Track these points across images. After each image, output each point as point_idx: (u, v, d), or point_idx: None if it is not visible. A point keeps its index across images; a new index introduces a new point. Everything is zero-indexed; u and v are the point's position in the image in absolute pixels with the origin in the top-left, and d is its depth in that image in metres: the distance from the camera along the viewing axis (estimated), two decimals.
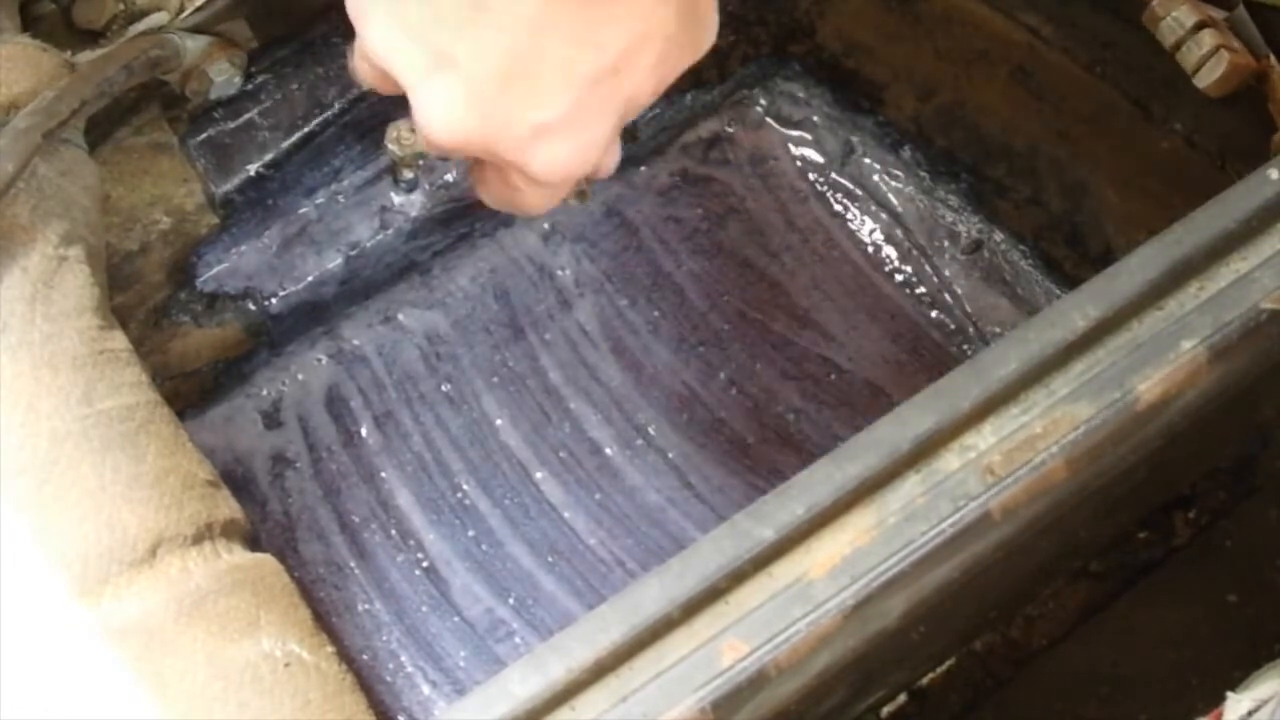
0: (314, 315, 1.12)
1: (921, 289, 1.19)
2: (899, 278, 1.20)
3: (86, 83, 0.87)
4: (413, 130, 1.00)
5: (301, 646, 0.74)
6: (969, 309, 1.18)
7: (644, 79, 0.71)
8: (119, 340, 0.84)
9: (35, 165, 0.84)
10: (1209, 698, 0.76)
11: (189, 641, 0.72)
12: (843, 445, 0.69)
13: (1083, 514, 0.75)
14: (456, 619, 1.06)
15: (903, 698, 1.00)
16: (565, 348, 1.16)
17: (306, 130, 1.02)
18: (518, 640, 1.05)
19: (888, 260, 1.21)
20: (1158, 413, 0.72)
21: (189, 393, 1.09)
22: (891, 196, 1.21)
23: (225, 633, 0.73)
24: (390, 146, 1.01)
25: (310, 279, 1.09)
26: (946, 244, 1.20)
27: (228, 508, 0.81)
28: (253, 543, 0.82)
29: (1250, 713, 0.73)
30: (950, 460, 0.70)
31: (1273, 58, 0.93)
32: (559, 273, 1.18)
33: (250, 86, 1.00)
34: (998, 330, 1.17)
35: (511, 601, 1.07)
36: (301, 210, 1.07)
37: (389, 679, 1.04)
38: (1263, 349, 0.75)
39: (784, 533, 0.67)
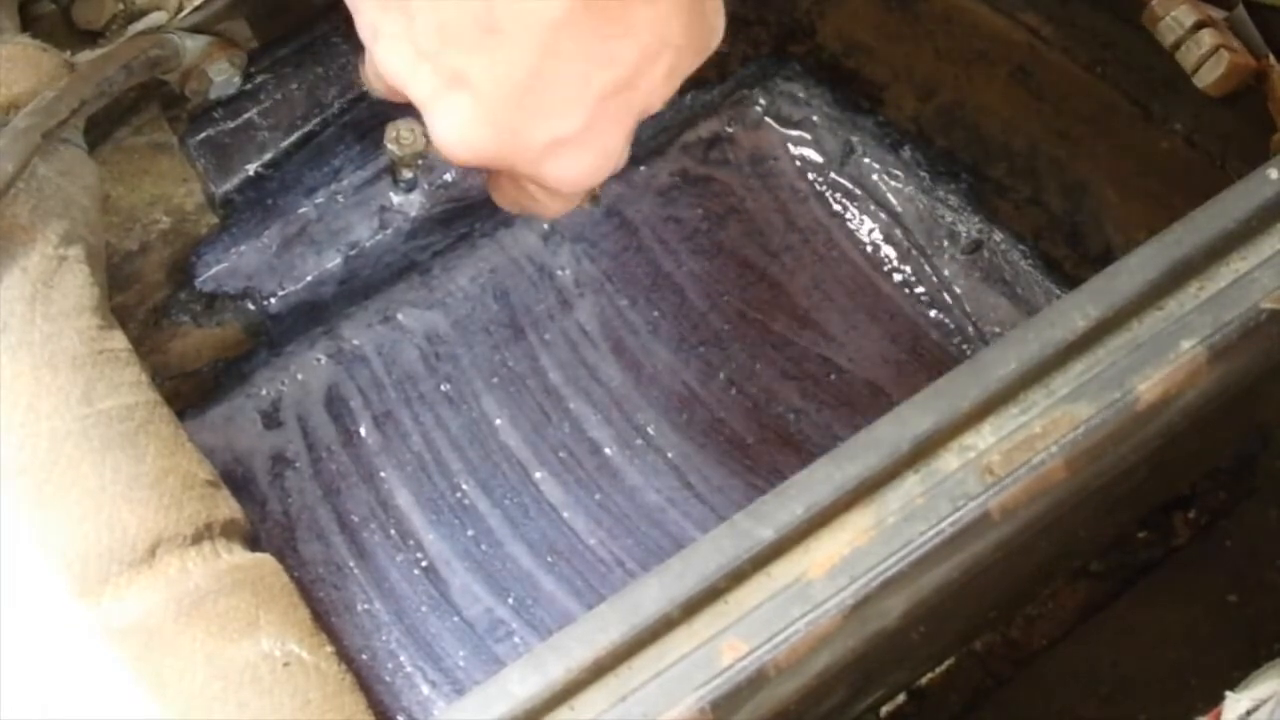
0: (314, 315, 1.12)
1: (921, 289, 1.19)
2: (899, 278, 1.20)
3: (86, 83, 0.87)
4: (412, 130, 1.01)
5: (301, 646, 0.74)
6: (969, 309, 1.18)
7: (656, 89, 0.72)
8: (119, 340, 0.83)
9: (35, 165, 0.84)
10: (1208, 698, 0.76)
11: (189, 641, 0.72)
12: (842, 445, 0.69)
13: (1083, 514, 0.75)
14: (456, 619, 1.06)
15: (902, 698, 1.00)
16: (565, 348, 1.16)
17: (306, 130, 1.02)
18: (517, 640, 1.05)
19: (887, 260, 1.21)
20: (1158, 413, 0.72)
21: (189, 393, 1.09)
22: (891, 196, 1.22)
23: (225, 633, 0.73)
24: (390, 146, 1.01)
25: (310, 279, 1.09)
26: (946, 244, 1.20)
27: (227, 508, 0.81)
28: (252, 543, 0.81)
29: (1249, 712, 0.73)
30: (950, 460, 0.70)
31: (1272, 58, 0.93)
32: (559, 273, 1.18)
33: (250, 86, 1.00)
34: (998, 330, 1.17)
35: (511, 601, 1.07)
36: (301, 210, 1.07)
37: (388, 679, 1.04)
38: (1263, 349, 0.75)
39: (783, 533, 0.67)
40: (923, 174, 1.21)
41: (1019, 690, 1.02)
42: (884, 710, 0.99)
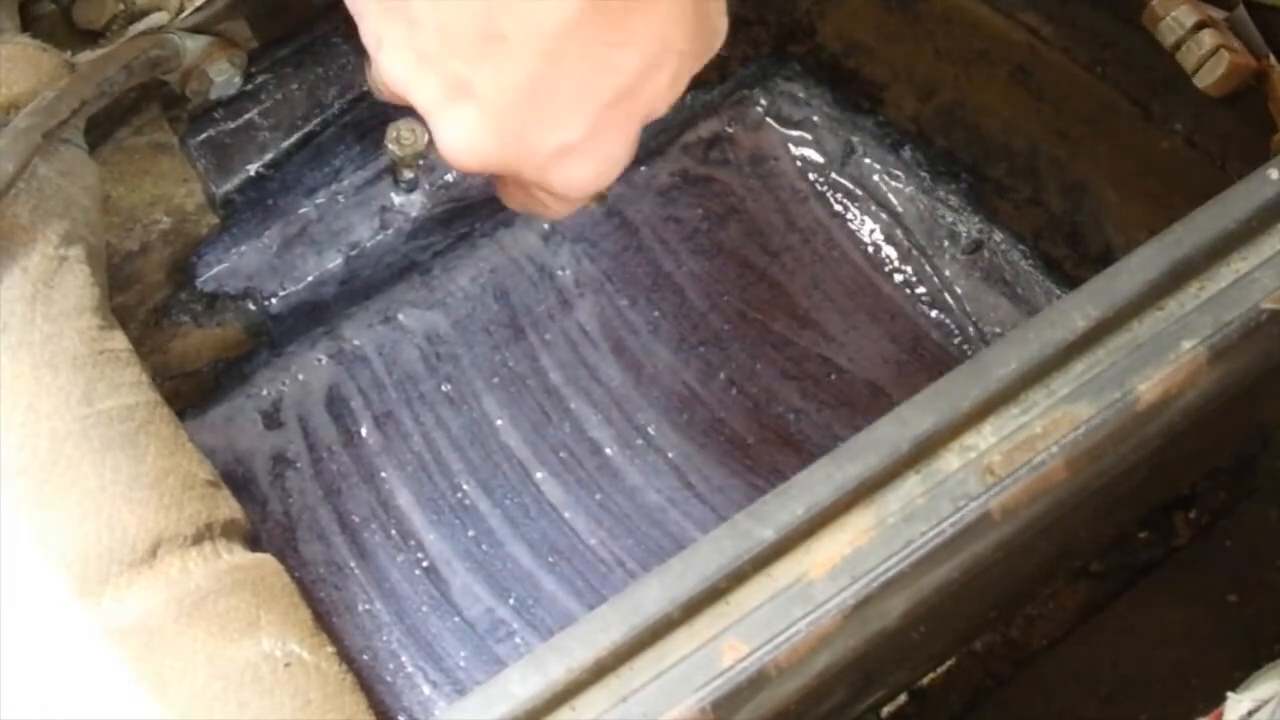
0: (314, 315, 1.12)
1: (921, 289, 1.19)
2: (899, 278, 1.20)
3: (86, 83, 0.87)
4: (413, 130, 1.01)
5: (302, 646, 0.74)
6: (969, 309, 1.18)
7: (660, 94, 0.72)
8: (119, 340, 0.83)
9: (35, 165, 0.84)
10: (1209, 698, 0.76)
11: (189, 641, 0.72)
12: (843, 445, 0.69)
13: (1083, 514, 0.75)
14: (457, 619, 1.06)
15: (903, 698, 1.00)
16: (565, 348, 1.16)
17: (306, 130, 1.02)
18: (518, 640, 1.05)
19: (888, 260, 1.21)
20: (1158, 413, 0.72)
21: (189, 393, 1.09)
22: (891, 196, 1.22)
23: (225, 633, 0.73)
24: (390, 146, 1.01)
25: (310, 279, 1.09)
26: (946, 244, 1.20)
27: (228, 508, 0.81)
28: (253, 543, 0.81)
29: (1250, 713, 0.73)
30: (950, 460, 0.70)
31: (1273, 58, 0.93)
32: (559, 273, 1.18)
33: (250, 86, 1.00)
34: (998, 330, 1.17)
35: (512, 601, 1.07)
36: (301, 210, 1.07)
37: (389, 679, 1.04)
38: (1263, 349, 0.75)
39: (784, 533, 0.67)
40: (923, 174, 1.21)
41: (1019, 690, 1.02)
42: (885, 710, 0.99)
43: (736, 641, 0.65)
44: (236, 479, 1.09)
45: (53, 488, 0.74)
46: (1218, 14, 0.94)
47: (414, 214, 1.10)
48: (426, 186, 1.10)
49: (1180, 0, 0.94)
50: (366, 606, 1.06)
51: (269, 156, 1.01)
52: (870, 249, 1.21)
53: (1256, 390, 0.78)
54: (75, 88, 0.86)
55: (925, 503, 0.69)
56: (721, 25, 0.74)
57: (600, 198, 0.86)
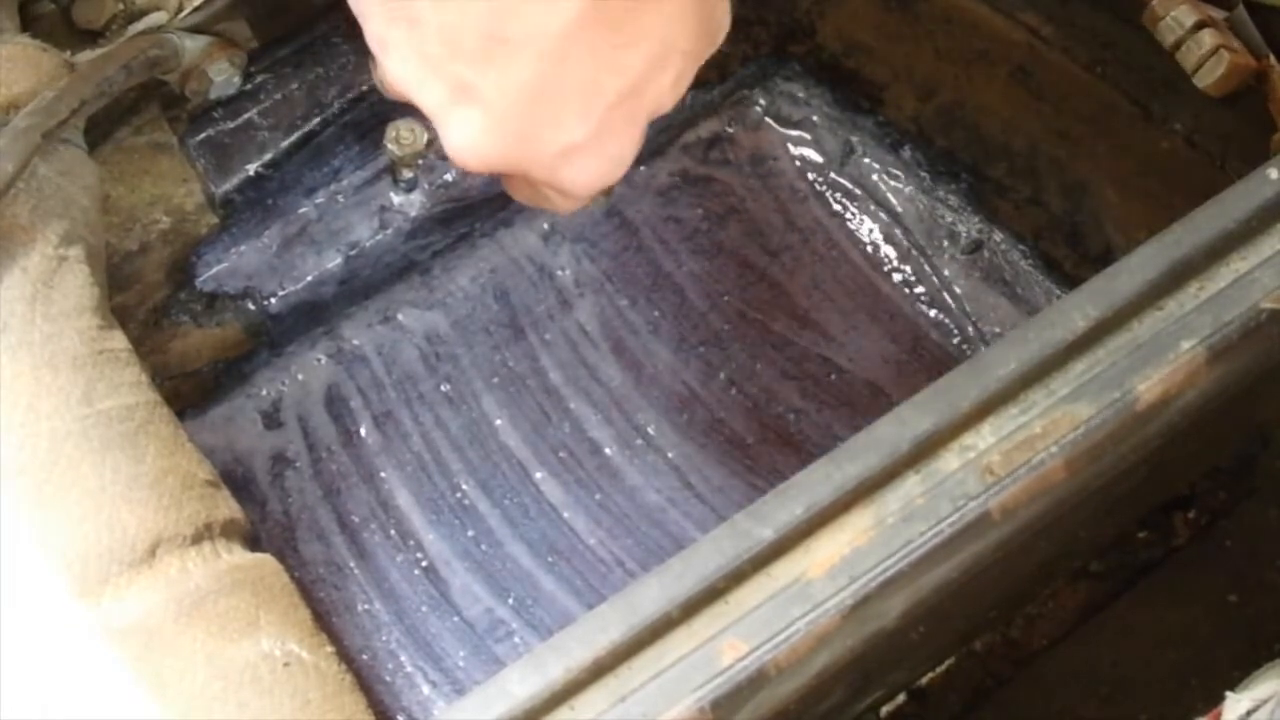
0: (314, 315, 1.12)
1: (921, 289, 1.19)
2: (899, 278, 1.20)
3: (86, 83, 0.87)
4: (412, 130, 1.01)
5: (301, 646, 0.74)
6: (969, 309, 1.18)
7: (665, 92, 0.72)
8: (119, 340, 0.84)
9: (35, 165, 0.84)
10: (1209, 698, 0.76)
11: (189, 641, 0.72)
12: (842, 445, 0.69)
13: (1082, 514, 0.75)
14: (456, 619, 1.06)
15: (902, 697, 1.00)
16: (565, 348, 1.16)
17: (306, 130, 1.02)
18: (517, 640, 1.05)
19: (887, 260, 1.21)
20: (1158, 413, 0.72)
21: (189, 393, 1.09)
22: (891, 196, 1.22)
23: (225, 633, 0.73)
24: (390, 146, 1.01)
25: (310, 279, 1.09)
26: (946, 244, 1.20)
27: (227, 508, 0.81)
28: (253, 543, 0.81)
29: (1249, 712, 0.73)
30: (950, 460, 0.70)
31: (1273, 58, 0.93)
32: (559, 273, 1.18)
33: (250, 86, 1.00)
34: (998, 330, 1.17)
35: (511, 601, 1.07)
36: (301, 210, 1.07)
37: (389, 679, 1.04)
38: (1263, 349, 0.75)
39: (783, 533, 0.67)
40: (923, 174, 1.21)
41: (1019, 690, 1.02)
42: (884, 710, 0.99)
43: (736, 641, 0.65)
44: (236, 479, 1.09)
45: (53, 488, 0.74)
46: (1218, 14, 0.94)
47: (413, 214, 1.10)
48: (426, 186, 1.10)
49: (1180, 0, 0.94)
50: (366, 606, 1.06)
51: (268, 156, 1.01)
52: (870, 249, 1.21)
53: (1256, 390, 0.78)
54: (75, 88, 0.87)
55: (925, 503, 0.69)
56: (725, 19, 0.74)
57: (606, 192, 0.86)
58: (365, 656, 1.04)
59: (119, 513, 0.74)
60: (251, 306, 1.08)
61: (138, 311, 1.02)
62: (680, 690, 0.65)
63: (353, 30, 0.76)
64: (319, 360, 1.14)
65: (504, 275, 1.17)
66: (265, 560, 0.79)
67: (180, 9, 0.94)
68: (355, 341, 1.14)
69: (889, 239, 1.21)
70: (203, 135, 1.00)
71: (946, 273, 1.19)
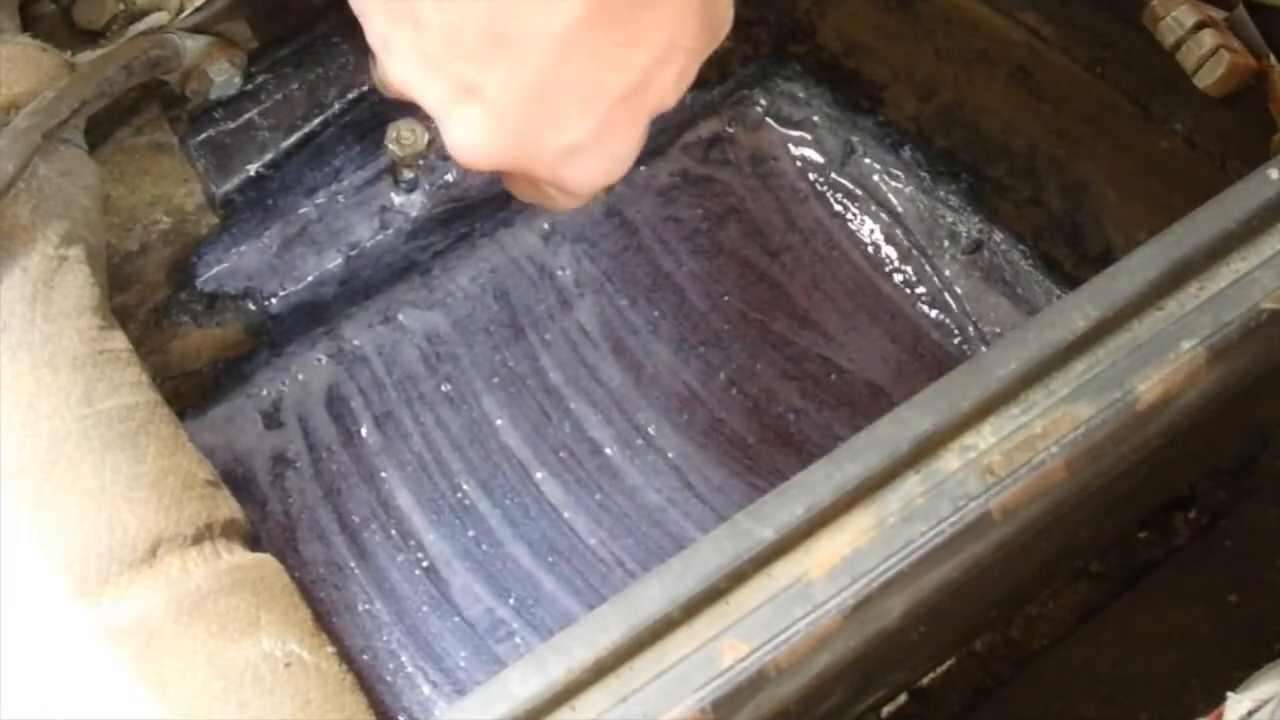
0: (314, 315, 1.12)
1: (921, 289, 1.19)
2: (899, 278, 1.20)
3: (86, 83, 0.87)
4: (413, 130, 1.01)
5: (302, 646, 0.74)
6: (969, 309, 1.18)
7: (668, 90, 0.72)
8: (119, 340, 0.83)
9: (35, 165, 0.84)
10: (1209, 698, 0.76)
11: (189, 641, 0.72)
12: (843, 445, 0.69)
13: (1083, 514, 0.75)
14: (457, 619, 1.06)
15: (903, 698, 1.00)
16: (565, 348, 1.16)
17: (306, 130, 1.02)
18: (518, 640, 1.05)
19: (888, 260, 1.21)
20: (1158, 413, 0.72)
21: (189, 393, 1.09)
22: (891, 197, 1.22)
23: (225, 633, 0.73)
24: (390, 147, 1.01)
25: (310, 279, 1.09)
26: (946, 244, 1.20)
27: (228, 508, 0.81)
28: (253, 543, 0.81)
29: (1250, 713, 0.73)
30: (950, 460, 0.70)
31: (1273, 58, 0.93)
32: (559, 273, 1.18)
33: (250, 86, 1.00)
34: (998, 330, 1.17)
35: (512, 601, 1.07)
36: (301, 210, 1.07)
37: (389, 679, 1.04)
38: (1263, 349, 0.75)
39: (784, 533, 0.67)
40: (923, 174, 1.21)
41: (1019, 690, 1.02)
42: (885, 710, 0.99)
43: (736, 641, 0.65)
44: (236, 479, 1.09)
45: (53, 488, 0.74)
46: (1218, 14, 0.94)
47: (414, 214, 1.10)
48: (426, 186, 1.10)
49: (1180, 0, 0.94)
50: (366, 606, 1.06)
51: (269, 156, 1.01)
52: (870, 249, 1.21)
53: (1256, 390, 0.78)
54: (75, 88, 0.86)
55: (925, 503, 0.69)
56: (727, 15, 0.74)
57: (606, 190, 0.86)
58: (366, 657, 1.04)
59: (119, 513, 0.74)
60: (252, 306, 1.08)
61: (138, 311, 1.02)
62: (681, 690, 0.65)
63: (353, 30, 0.76)
64: (319, 360, 1.14)
65: (504, 275, 1.17)
66: (265, 560, 0.79)
67: (181, 9, 0.94)
68: (356, 341, 1.14)
69: (889, 239, 1.21)
70: (203, 135, 1.00)
71: (947, 273, 1.19)
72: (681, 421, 1.14)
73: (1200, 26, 0.93)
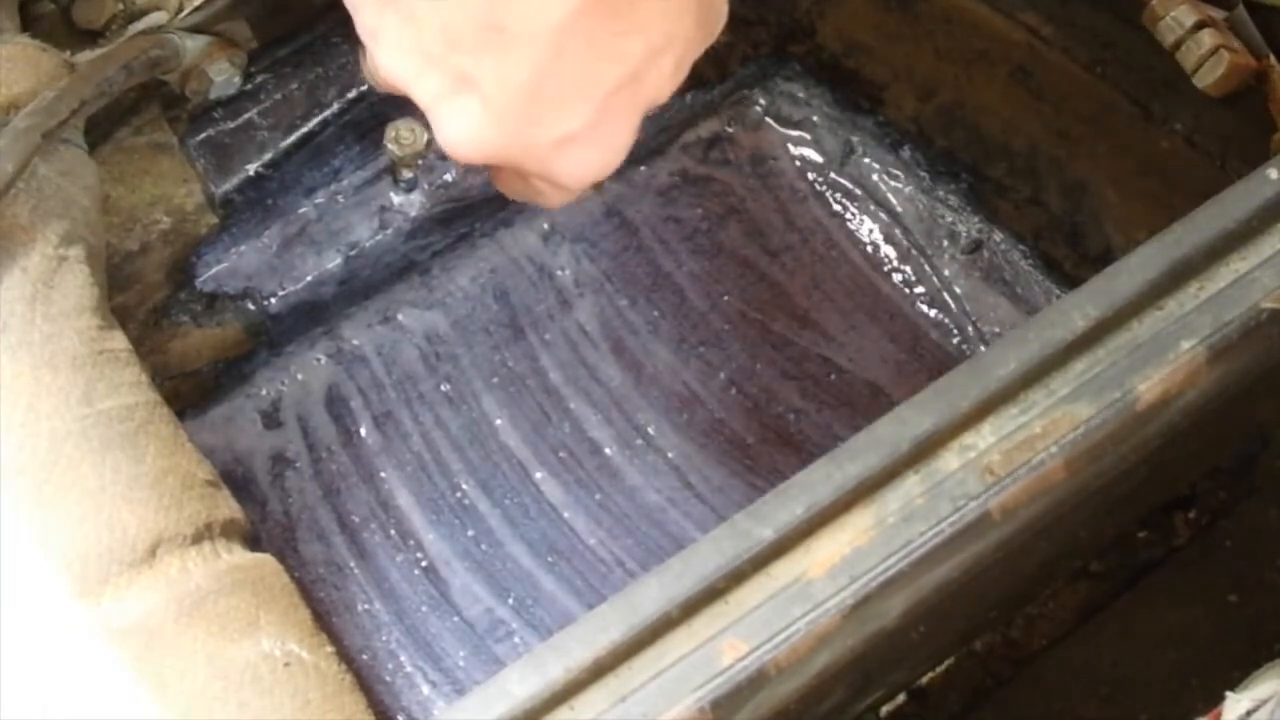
0: (314, 315, 1.12)
1: (921, 289, 1.19)
2: (899, 278, 1.20)
3: (86, 83, 0.87)
4: (412, 130, 1.01)
5: (301, 646, 0.74)
6: (969, 309, 1.18)
7: (664, 81, 0.72)
8: (119, 340, 0.83)
9: (35, 165, 0.84)
10: (1209, 698, 0.76)
11: (189, 641, 0.72)
12: (842, 445, 0.69)
13: (1083, 514, 0.75)
14: (456, 619, 1.06)
15: (902, 697, 1.00)
16: (565, 348, 1.16)
17: (306, 130, 1.02)
18: (517, 640, 1.05)
19: (887, 260, 1.21)
20: (1158, 413, 0.72)
21: (189, 393, 1.09)
22: (891, 196, 1.22)
23: (225, 633, 0.73)
24: (390, 146, 1.01)
25: (310, 279, 1.09)
26: (946, 244, 1.20)
27: (228, 508, 0.81)
28: (253, 543, 0.81)
29: (1249, 712, 0.73)
30: (950, 460, 0.70)
31: (1273, 58, 0.93)
32: (559, 273, 1.18)
33: (250, 86, 1.00)
34: (998, 330, 1.17)
35: (511, 601, 1.07)
36: (301, 210, 1.07)
37: (389, 679, 1.04)
38: (1263, 349, 0.75)
39: (783, 533, 0.67)
40: (923, 174, 1.21)
41: (1019, 690, 1.02)
42: (884, 710, 0.99)
43: (736, 641, 0.65)
44: (236, 479, 1.09)
45: (53, 488, 0.74)
46: (1217, 14, 0.94)
47: (413, 214, 1.10)
48: (426, 186, 1.10)
49: (1180, 0, 0.94)
50: (366, 606, 1.06)
51: (268, 156, 1.01)
52: (870, 249, 1.21)
53: (1256, 390, 0.78)
54: (75, 88, 0.86)
55: (925, 503, 0.69)
56: (724, 7, 0.73)
57: (596, 186, 0.86)
58: (365, 656, 1.04)
59: (119, 513, 0.74)
60: (251, 306, 1.08)
61: (138, 311, 1.02)
62: (680, 690, 0.65)
63: (353, 30, 0.76)
64: (319, 360, 1.14)
65: (504, 275, 1.17)
66: (265, 560, 0.79)
67: (180, 9, 0.94)
68: (355, 341, 1.14)
69: (889, 239, 1.21)
70: (203, 135, 1.00)
71: (946, 273, 1.19)
72: (681, 421, 1.14)
73: (1200, 26, 0.93)
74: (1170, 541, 1.07)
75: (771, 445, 1.13)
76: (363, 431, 1.12)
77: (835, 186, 1.23)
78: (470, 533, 1.09)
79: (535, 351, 1.16)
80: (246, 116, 1.01)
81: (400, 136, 1.00)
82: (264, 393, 1.12)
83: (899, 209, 1.21)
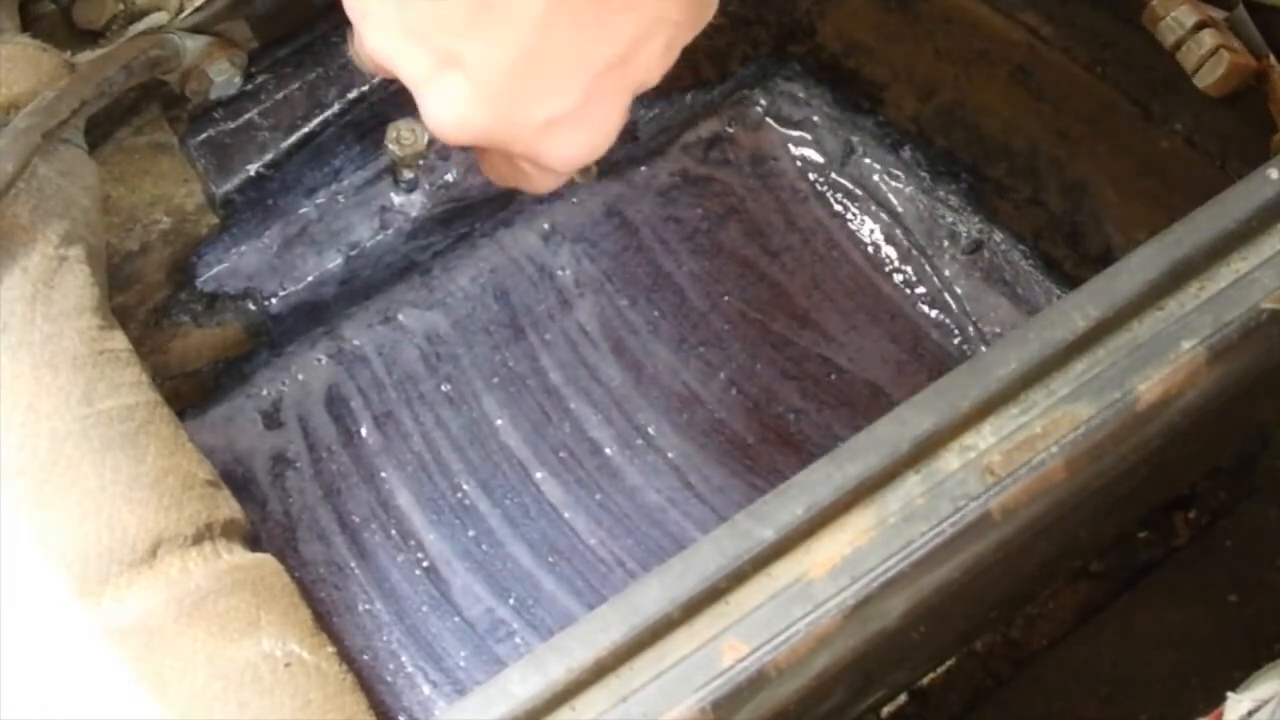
0: (314, 315, 1.12)
1: (921, 289, 1.19)
2: (899, 278, 1.20)
3: (86, 83, 0.87)
4: (413, 130, 1.01)
5: (302, 646, 0.74)
6: (969, 309, 1.18)
7: (653, 63, 0.71)
8: (119, 340, 0.83)
9: (35, 165, 0.84)
10: (1209, 698, 0.76)
11: (189, 641, 0.72)
12: (843, 445, 0.69)
13: (1083, 514, 0.75)
14: (457, 619, 1.06)
15: (903, 698, 1.00)
16: (565, 348, 1.16)
17: (306, 130, 1.02)
18: (518, 640, 1.05)
19: (888, 260, 1.21)
20: (1158, 413, 0.72)
21: (189, 393, 1.09)
22: (891, 197, 1.22)
23: (225, 633, 0.73)
24: (390, 146, 1.01)
25: (310, 279, 1.09)
26: (946, 244, 1.20)
27: (228, 508, 0.81)
28: (253, 543, 0.81)
29: (1250, 713, 0.73)
30: (950, 460, 0.70)
31: (1273, 58, 0.93)
32: (559, 273, 1.18)
33: (250, 86, 1.00)
34: (998, 330, 1.17)
35: (512, 601, 1.07)
36: (301, 210, 1.07)
37: (389, 679, 1.04)
38: (1263, 349, 0.75)
39: (784, 533, 0.67)
40: (923, 174, 1.21)
41: (1019, 690, 1.02)
42: (885, 710, 0.99)
43: (736, 641, 0.65)
44: (236, 479, 1.09)
45: (53, 488, 0.74)
46: (1218, 14, 0.94)
47: (414, 214, 1.10)
48: (426, 186, 1.10)
49: (1180, 0, 0.94)
50: (366, 606, 1.06)
51: (269, 156, 1.01)
52: (870, 249, 1.21)
53: (1256, 390, 0.78)
54: (75, 88, 0.86)
55: (925, 503, 0.69)
56: None
57: (584, 172, 0.85)
58: (366, 656, 1.04)
59: (119, 513, 0.74)
60: (252, 306, 1.08)
61: (138, 311, 1.02)
62: (681, 690, 0.65)
63: (345, 18, 0.76)
64: (319, 360, 1.14)
65: (504, 275, 1.17)
66: (265, 560, 0.79)
67: (181, 9, 0.94)
68: (355, 341, 1.14)
69: (889, 239, 1.21)
70: (203, 135, 1.00)
71: (947, 273, 1.19)
72: (681, 421, 1.14)
73: (1200, 26, 0.93)
74: (1170, 541, 1.07)
75: (771, 445, 1.13)
76: (363, 431, 1.12)
77: (836, 187, 1.23)
78: (471, 533, 1.09)
79: (535, 351, 1.16)
80: (247, 116, 1.01)
81: (401, 137, 1.00)
82: (264, 393, 1.12)
83: (899, 209, 1.21)
